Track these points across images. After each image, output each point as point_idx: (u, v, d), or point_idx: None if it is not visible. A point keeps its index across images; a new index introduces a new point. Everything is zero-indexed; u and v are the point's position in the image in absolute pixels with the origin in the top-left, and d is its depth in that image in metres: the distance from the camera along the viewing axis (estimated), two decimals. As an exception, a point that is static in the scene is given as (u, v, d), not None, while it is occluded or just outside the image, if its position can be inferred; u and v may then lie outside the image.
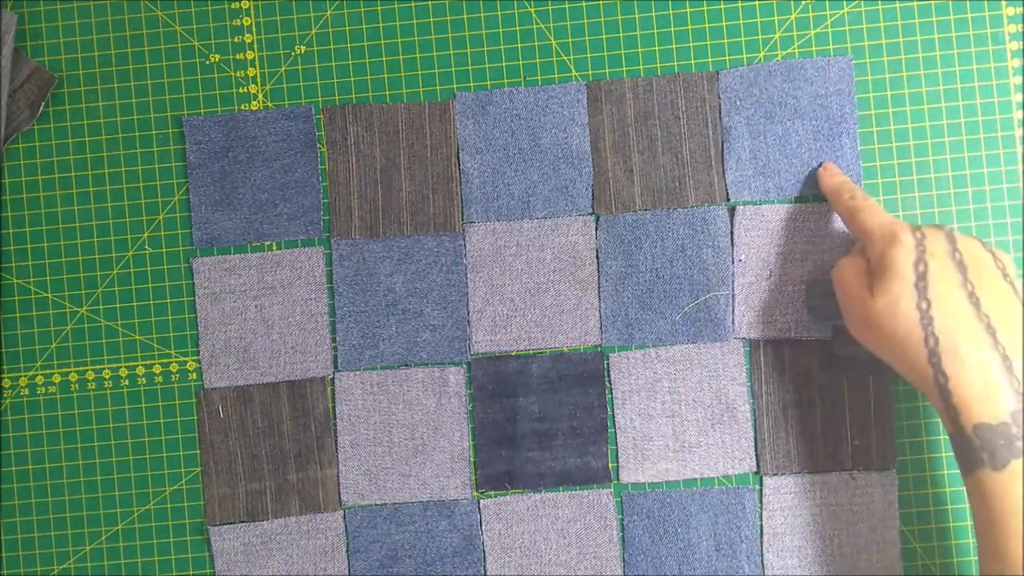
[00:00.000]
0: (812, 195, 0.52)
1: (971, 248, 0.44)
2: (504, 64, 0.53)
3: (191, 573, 0.53)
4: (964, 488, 0.43)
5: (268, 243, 0.53)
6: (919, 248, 0.44)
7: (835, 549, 0.51)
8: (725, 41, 0.53)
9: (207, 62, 0.54)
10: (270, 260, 0.53)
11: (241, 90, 0.54)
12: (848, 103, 0.52)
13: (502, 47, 0.53)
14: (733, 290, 0.52)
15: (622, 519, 0.52)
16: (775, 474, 0.52)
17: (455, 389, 0.53)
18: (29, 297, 0.54)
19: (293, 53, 0.54)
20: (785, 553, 0.51)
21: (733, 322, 0.52)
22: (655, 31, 0.53)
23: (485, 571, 0.52)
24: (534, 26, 0.53)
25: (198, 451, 0.53)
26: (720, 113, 0.52)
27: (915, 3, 0.52)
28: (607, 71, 0.53)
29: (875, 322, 0.44)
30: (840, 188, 0.49)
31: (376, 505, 0.53)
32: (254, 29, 0.54)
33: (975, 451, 0.41)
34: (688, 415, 0.52)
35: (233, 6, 0.54)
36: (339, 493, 0.53)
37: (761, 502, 0.52)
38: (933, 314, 0.42)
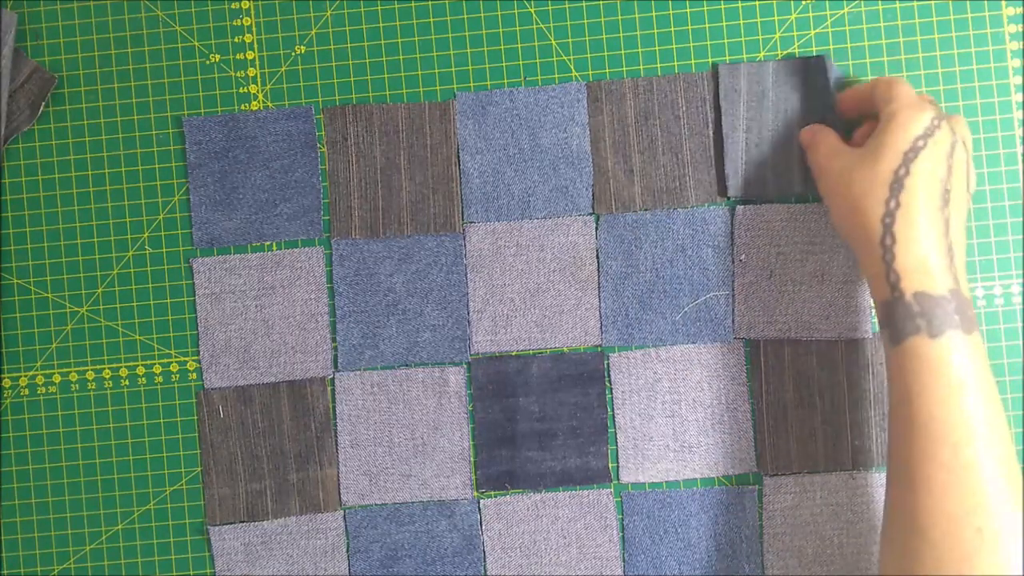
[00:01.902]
0: (812, 195, 0.52)
1: (960, 159, 0.45)
2: (504, 64, 0.53)
3: (191, 573, 0.53)
4: (886, 363, 0.45)
5: (268, 243, 0.53)
6: (932, 125, 0.44)
7: (835, 549, 0.51)
8: (725, 41, 0.53)
9: (207, 62, 0.54)
10: (270, 260, 0.53)
11: (241, 90, 0.54)
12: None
13: (502, 47, 0.53)
14: (733, 290, 0.52)
15: (622, 519, 0.52)
16: (775, 474, 0.52)
17: (455, 389, 0.53)
18: (29, 297, 0.54)
19: (293, 53, 0.54)
20: (785, 553, 0.51)
21: (733, 322, 0.52)
22: (655, 31, 0.53)
23: (485, 571, 0.52)
24: (534, 26, 0.53)
25: (198, 451, 0.53)
26: (720, 112, 0.52)
27: (915, 3, 0.52)
28: (607, 71, 0.53)
29: (849, 157, 0.46)
30: (855, 88, 0.50)
31: (376, 505, 0.53)
32: (254, 29, 0.54)
33: (912, 317, 0.43)
34: (688, 415, 0.52)
35: (233, 6, 0.54)
36: (339, 493, 0.53)
37: (761, 502, 0.52)
38: (906, 183, 0.44)
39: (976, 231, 0.52)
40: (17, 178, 0.54)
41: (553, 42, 0.53)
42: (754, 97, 0.52)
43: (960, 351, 0.42)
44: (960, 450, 0.41)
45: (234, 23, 0.54)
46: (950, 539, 0.40)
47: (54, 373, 0.54)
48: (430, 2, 0.53)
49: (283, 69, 0.54)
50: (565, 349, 0.53)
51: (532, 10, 0.53)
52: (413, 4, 0.54)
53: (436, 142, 0.53)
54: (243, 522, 0.53)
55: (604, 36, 0.53)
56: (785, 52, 0.52)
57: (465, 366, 0.53)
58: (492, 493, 0.53)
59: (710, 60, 0.53)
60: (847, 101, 0.50)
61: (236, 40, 0.54)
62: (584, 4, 0.53)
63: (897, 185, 0.44)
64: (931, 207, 0.44)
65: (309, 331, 0.53)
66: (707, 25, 0.53)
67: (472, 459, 0.53)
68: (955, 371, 0.42)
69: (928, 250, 0.43)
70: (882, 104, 0.46)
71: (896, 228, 0.43)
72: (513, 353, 0.53)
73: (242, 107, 0.54)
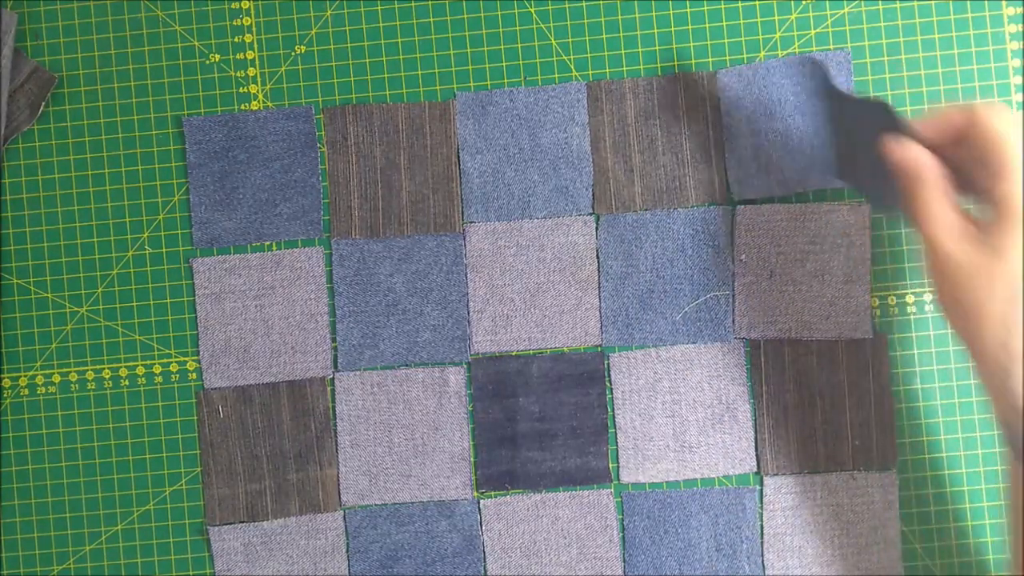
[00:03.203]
0: (812, 194, 0.52)
1: None
2: (504, 64, 0.53)
3: (191, 573, 0.53)
4: (1008, 478, 0.43)
5: (268, 243, 0.53)
6: None
7: (835, 549, 0.51)
8: (725, 41, 0.53)
9: (207, 62, 0.54)
10: (270, 260, 0.53)
11: (241, 90, 0.54)
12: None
13: (502, 47, 0.53)
14: (733, 290, 0.52)
15: (622, 519, 0.52)
16: (775, 474, 0.52)
17: (455, 389, 0.53)
18: (29, 297, 0.54)
19: (293, 53, 0.54)
20: (785, 553, 0.51)
21: (733, 322, 0.52)
22: (655, 31, 0.53)
23: (485, 571, 0.52)
24: (534, 26, 0.53)
25: (198, 451, 0.53)
26: (720, 112, 0.52)
27: (915, 3, 0.52)
28: (607, 71, 0.53)
29: (969, 252, 0.40)
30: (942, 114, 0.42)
31: (376, 505, 0.53)
32: (254, 29, 0.54)
33: None
34: (688, 415, 0.52)
35: (233, 6, 0.54)
36: (339, 493, 0.53)
37: (761, 502, 0.52)
38: None
39: (976, 231, 0.52)
40: (17, 178, 0.54)
41: (553, 42, 0.53)
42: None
43: None
44: None
45: (234, 23, 0.54)
46: None
47: (54, 373, 0.54)
48: (430, 2, 0.53)
49: (283, 69, 0.54)
50: (565, 349, 0.53)
51: (532, 10, 0.53)
52: (413, 4, 0.54)
53: (436, 142, 0.53)
54: (243, 522, 0.53)
55: (604, 36, 0.53)
56: (785, 52, 0.52)
57: (465, 366, 0.53)
58: (492, 493, 0.53)
59: (710, 60, 0.53)
60: (931, 129, 0.42)
61: (236, 40, 0.54)
62: (584, 4, 0.53)
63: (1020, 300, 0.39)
64: None
65: (309, 331, 0.53)
66: (707, 25, 0.53)
67: (472, 459, 0.53)
68: None
69: None
70: (990, 176, 0.40)
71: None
72: (513, 353, 0.53)
73: (242, 107, 0.54)
